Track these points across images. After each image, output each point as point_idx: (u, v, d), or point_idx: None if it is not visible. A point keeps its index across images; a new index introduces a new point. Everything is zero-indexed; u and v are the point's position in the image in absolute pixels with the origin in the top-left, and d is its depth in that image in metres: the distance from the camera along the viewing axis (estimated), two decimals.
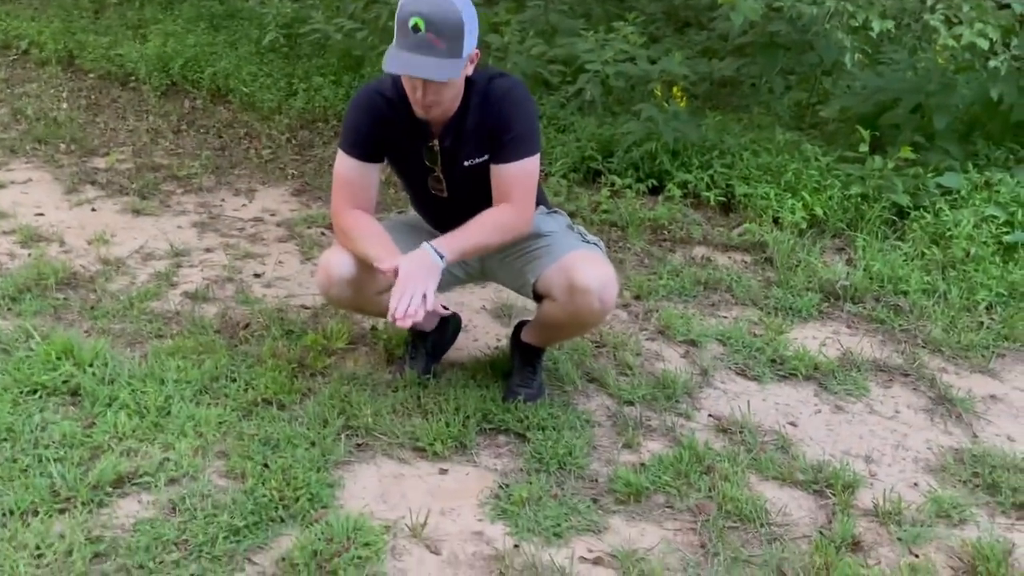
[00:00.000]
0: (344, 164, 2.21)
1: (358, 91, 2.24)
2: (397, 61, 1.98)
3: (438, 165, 2.21)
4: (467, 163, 2.19)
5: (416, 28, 1.94)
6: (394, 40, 2.01)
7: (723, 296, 3.13)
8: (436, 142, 2.17)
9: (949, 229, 3.37)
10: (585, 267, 2.13)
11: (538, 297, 2.26)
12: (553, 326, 2.30)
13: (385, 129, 2.18)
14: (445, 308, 2.44)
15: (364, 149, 2.19)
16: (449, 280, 2.40)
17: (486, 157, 2.17)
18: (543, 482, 2.09)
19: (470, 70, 2.09)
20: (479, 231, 2.13)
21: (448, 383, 2.44)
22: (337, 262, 2.19)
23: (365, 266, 2.15)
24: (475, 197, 2.23)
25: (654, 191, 3.85)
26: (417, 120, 2.14)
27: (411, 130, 2.17)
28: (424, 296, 2.00)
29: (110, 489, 1.96)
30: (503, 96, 2.12)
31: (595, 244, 2.28)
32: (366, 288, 2.21)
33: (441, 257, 2.06)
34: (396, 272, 2.02)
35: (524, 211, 2.15)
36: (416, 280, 2.01)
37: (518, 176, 2.14)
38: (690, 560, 1.90)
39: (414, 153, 2.21)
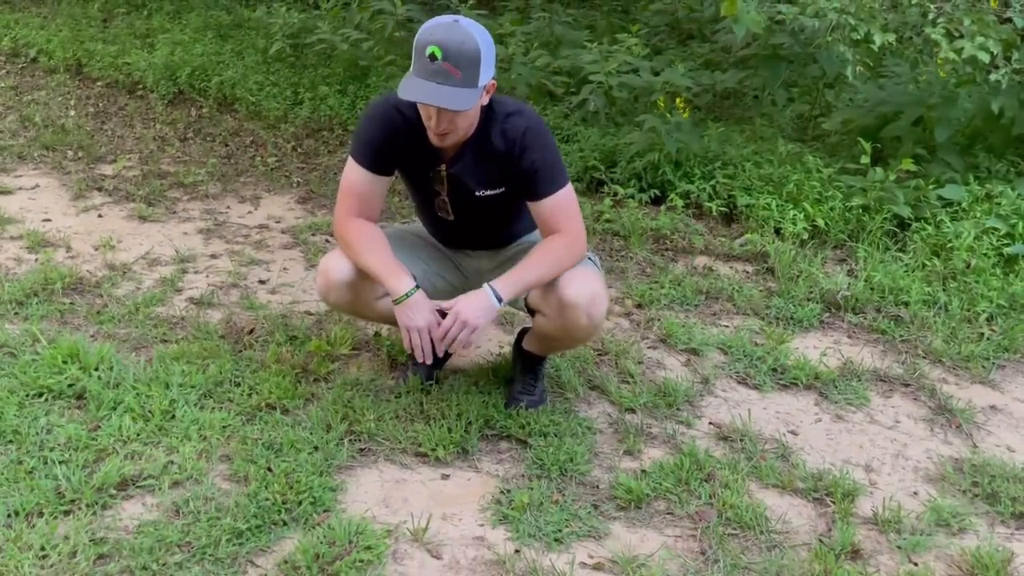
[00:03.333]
0: (353, 172, 2.23)
1: (376, 100, 2.25)
2: (412, 88, 2.00)
3: (444, 189, 2.23)
4: (479, 193, 2.21)
5: (433, 57, 1.96)
6: (411, 67, 2.04)
7: (724, 305, 3.15)
8: (443, 167, 2.19)
9: (950, 241, 3.39)
10: (573, 282, 2.14)
11: (531, 310, 2.29)
12: (547, 338, 2.33)
13: (398, 145, 2.20)
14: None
15: (375, 161, 2.21)
16: (448, 291, 2.43)
17: (503, 190, 2.20)
18: (544, 488, 2.10)
19: (486, 100, 2.11)
20: (537, 267, 2.15)
21: (451, 389, 2.45)
22: (336, 267, 2.22)
23: (364, 272, 2.18)
24: (482, 223, 2.28)
25: (656, 201, 3.88)
26: (427, 142, 2.16)
27: (422, 151, 2.18)
28: (472, 332, 2.10)
29: (114, 491, 1.98)
30: (523, 135, 2.13)
31: (589, 258, 2.29)
32: (364, 293, 2.24)
33: (500, 300, 2.11)
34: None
35: (577, 236, 2.18)
36: (470, 320, 2.09)
37: (560, 206, 2.16)
38: (690, 567, 1.91)
39: (423, 174, 2.23)
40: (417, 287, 2.18)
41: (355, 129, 2.27)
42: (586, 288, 2.14)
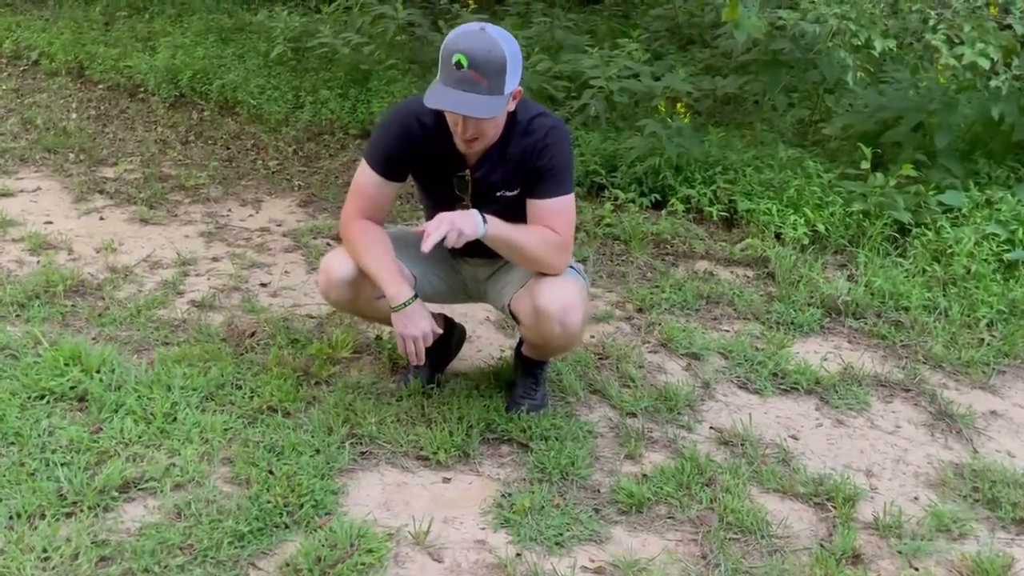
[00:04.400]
0: (365, 175, 2.24)
1: (397, 107, 2.26)
2: (439, 96, 2.01)
3: (468, 195, 2.23)
4: (498, 194, 2.21)
5: (459, 64, 1.97)
6: (438, 74, 2.04)
7: (725, 310, 3.15)
8: (468, 172, 2.19)
9: (950, 246, 3.39)
10: (547, 290, 2.15)
11: (514, 317, 2.30)
12: (532, 345, 2.35)
13: (415, 155, 2.20)
14: (446, 322, 2.49)
15: (388, 168, 2.22)
16: (445, 293, 2.44)
17: (518, 191, 2.20)
18: (545, 492, 2.10)
19: (512, 106, 2.12)
20: (525, 232, 2.15)
21: (452, 393, 2.46)
22: (337, 265, 2.24)
23: (365, 272, 2.20)
24: None
25: (657, 205, 3.88)
26: (451, 149, 2.16)
27: (444, 158, 2.19)
28: (461, 233, 2.03)
29: (116, 494, 1.98)
30: (546, 134, 2.14)
31: (572, 267, 2.28)
32: (365, 292, 2.26)
33: (484, 222, 2.09)
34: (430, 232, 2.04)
35: (567, 242, 2.18)
36: (455, 219, 2.04)
37: (559, 210, 2.17)
38: (691, 571, 1.91)
39: (444, 181, 2.23)
40: (415, 296, 2.19)
41: (373, 133, 2.29)
42: (558, 297, 2.14)
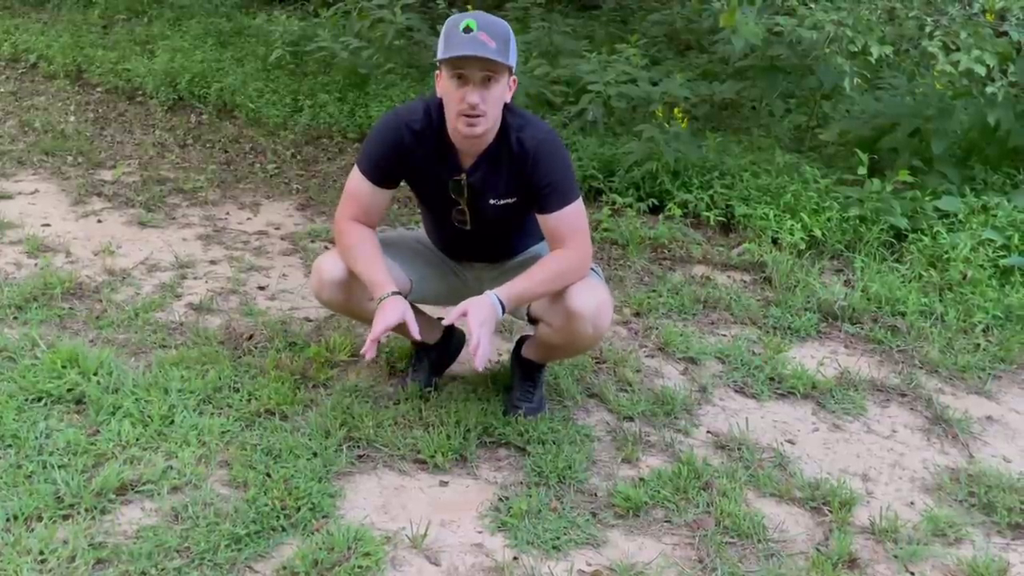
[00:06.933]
0: (357, 181, 2.25)
1: (387, 115, 2.27)
2: (453, 48, 2.03)
3: (464, 198, 2.23)
4: (492, 201, 2.22)
5: (468, 28, 2.03)
6: (441, 51, 2.06)
7: (722, 314, 3.16)
8: (464, 176, 2.20)
9: (946, 252, 3.41)
10: (580, 293, 2.16)
11: (533, 320, 2.30)
12: (549, 347, 2.35)
13: (408, 162, 2.21)
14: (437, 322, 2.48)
15: (378, 176, 2.23)
16: (446, 296, 2.44)
17: (514, 199, 2.22)
18: (543, 495, 2.11)
19: (508, 96, 2.13)
20: (540, 280, 2.16)
21: (449, 396, 2.46)
22: (329, 266, 2.25)
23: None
24: (498, 232, 2.29)
25: (655, 210, 3.89)
26: (445, 152, 2.17)
27: (438, 163, 2.19)
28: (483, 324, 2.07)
29: (113, 496, 1.98)
30: (538, 147, 2.14)
31: (592, 269, 2.30)
32: (356, 293, 2.26)
33: (503, 309, 2.11)
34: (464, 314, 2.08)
35: (582, 252, 2.19)
36: (473, 314, 2.07)
37: (567, 221, 2.18)
38: (688, 575, 1.91)
39: (440, 185, 2.24)
40: (394, 293, 2.15)
41: (366, 138, 2.30)
42: (592, 299, 2.16)
